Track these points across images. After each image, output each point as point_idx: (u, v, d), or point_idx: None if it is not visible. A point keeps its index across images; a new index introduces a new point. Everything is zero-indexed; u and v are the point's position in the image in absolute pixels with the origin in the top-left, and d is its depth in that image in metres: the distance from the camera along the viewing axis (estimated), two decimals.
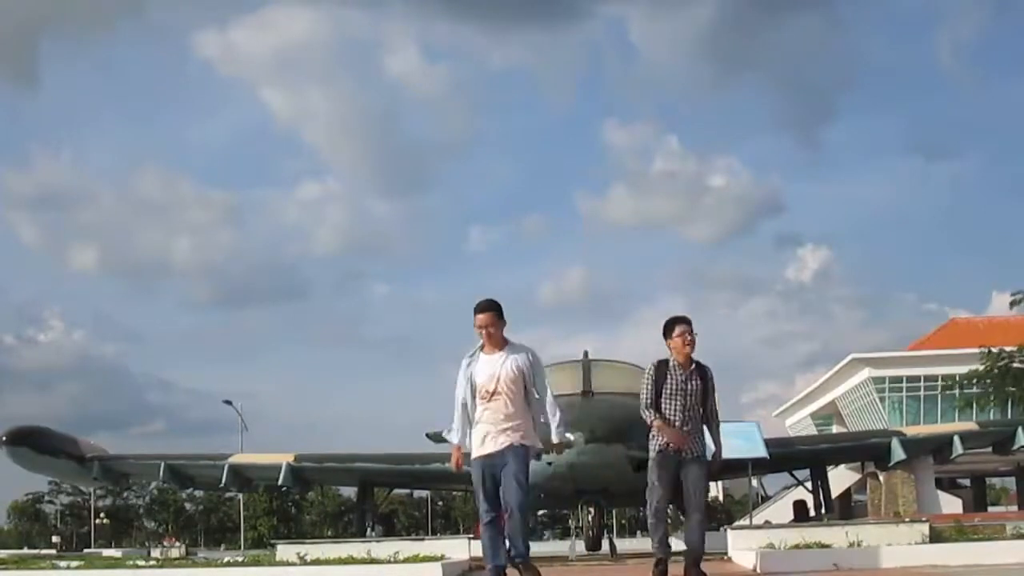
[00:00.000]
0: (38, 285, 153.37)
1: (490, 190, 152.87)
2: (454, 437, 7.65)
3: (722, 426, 8.47)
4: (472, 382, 7.43)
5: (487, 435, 7.36)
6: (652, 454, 8.10)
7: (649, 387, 8.05)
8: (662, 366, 8.07)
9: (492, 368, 7.42)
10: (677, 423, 7.96)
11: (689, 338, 8.05)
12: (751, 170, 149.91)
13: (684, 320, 8.16)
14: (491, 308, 7.49)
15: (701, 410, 8.12)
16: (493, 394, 7.33)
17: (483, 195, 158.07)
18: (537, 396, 7.50)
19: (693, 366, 8.07)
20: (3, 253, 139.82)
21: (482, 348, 7.52)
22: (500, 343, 7.52)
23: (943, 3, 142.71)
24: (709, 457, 8.30)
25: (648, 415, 8.02)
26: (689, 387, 8.03)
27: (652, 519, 8.25)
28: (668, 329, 8.12)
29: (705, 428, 8.25)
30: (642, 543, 35.42)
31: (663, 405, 8.00)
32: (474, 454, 7.43)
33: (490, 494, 7.37)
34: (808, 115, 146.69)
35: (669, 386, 8.01)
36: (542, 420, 7.55)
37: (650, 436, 8.11)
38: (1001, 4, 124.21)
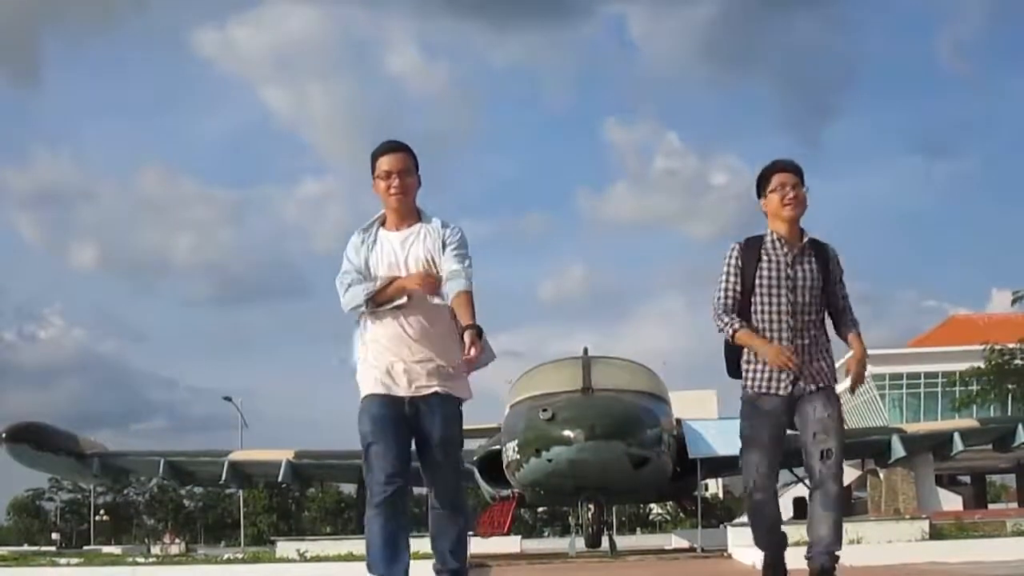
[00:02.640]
0: (39, 282, 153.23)
1: (490, 187, 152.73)
2: (355, 294, 4.80)
3: (721, 423, 8.04)
4: (365, 276, 4.78)
5: (391, 367, 4.69)
6: (742, 398, 5.36)
7: (730, 278, 5.23)
8: (752, 245, 5.25)
9: (400, 254, 4.78)
10: (781, 335, 5.17)
11: (792, 194, 5.19)
12: (752, 168, 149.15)
13: (787, 166, 5.33)
14: (402, 148, 4.88)
15: (822, 312, 5.33)
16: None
17: (483, 192, 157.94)
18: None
19: (805, 240, 5.24)
20: (4, 250, 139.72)
21: (382, 222, 4.88)
22: (412, 213, 4.87)
23: (944, 1, 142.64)
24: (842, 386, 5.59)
25: (725, 324, 5.21)
26: (800, 274, 5.19)
27: (751, 504, 5.46)
28: (763, 181, 5.33)
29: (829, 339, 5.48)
30: (642, 540, 35.45)
31: (755, 307, 5.20)
32: (367, 390, 4.73)
33: (393, 450, 4.64)
34: (809, 113, 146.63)
35: (765, 274, 5.18)
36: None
37: (743, 367, 5.30)
38: (1002, 2, 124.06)
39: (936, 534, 11.16)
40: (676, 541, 23.05)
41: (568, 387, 15.66)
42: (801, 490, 26.19)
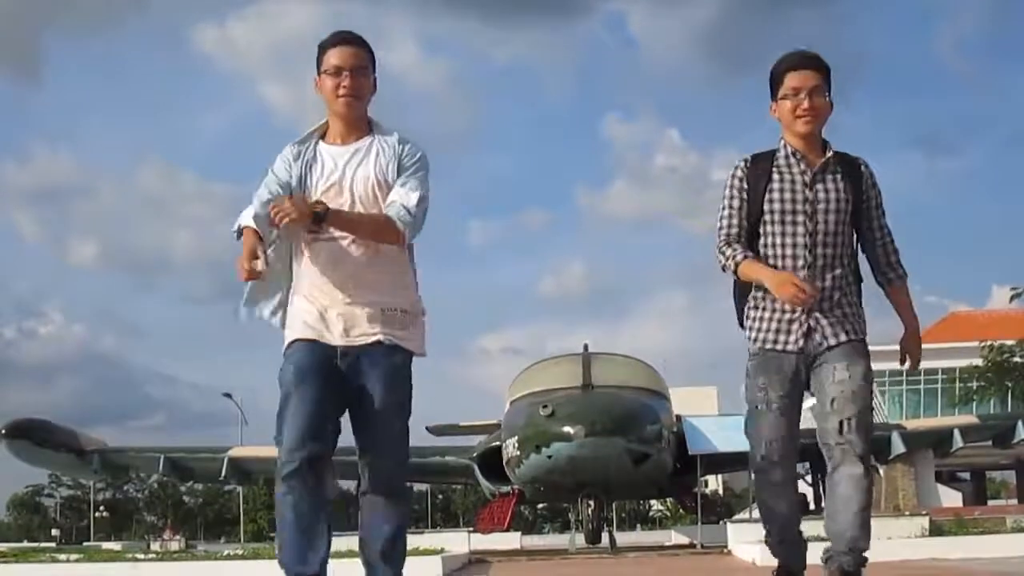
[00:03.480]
0: (39, 279, 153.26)
1: (490, 184, 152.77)
2: (245, 216, 3.86)
3: (721, 420, 7.80)
4: (301, 192, 3.80)
5: (325, 311, 3.79)
6: (749, 353, 4.31)
7: (733, 202, 4.25)
8: (761, 161, 4.23)
9: (344, 172, 3.84)
10: (797, 268, 4.12)
11: (808, 103, 4.12)
12: None
13: (805, 61, 4.20)
14: (358, 41, 3.96)
15: (850, 246, 4.24)
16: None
17: (483, 189, 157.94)
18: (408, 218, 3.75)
19: (829, 154, 4.18)
20: (4, 247, 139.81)
21: (322, 134, 3.95)
22: (363, 123, 3.95)
23: None
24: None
25: (727, 257, 4.21)
26: (822, 195, 4.15)
27: (760, 491, 4.36)
28: (775, 81, 4.24)
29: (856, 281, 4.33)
30: (642, 537, 35.49)
31: (765, 239, 4.19)
32: (294, 335, 3.82)
33: (313, 407, 3.69)
34: None
35: (777, 197, 4.16)
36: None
37: (746, 315, 4.31)
38: None
39: (936, 530, 11.16)
40: (676, 537, 23.08)
41: (568, 384, 15.66)
42: (801, 487, 26.06)
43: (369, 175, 3.81)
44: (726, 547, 12.02)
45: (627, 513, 61.87)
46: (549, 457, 14.47)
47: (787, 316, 4.19)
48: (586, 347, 17.36)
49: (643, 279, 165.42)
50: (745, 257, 4.18)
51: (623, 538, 23.80)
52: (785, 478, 4.28)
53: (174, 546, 35.90)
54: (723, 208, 4.28)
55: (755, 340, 4.25)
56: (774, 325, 4.21)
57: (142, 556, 13.16)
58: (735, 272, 4.21)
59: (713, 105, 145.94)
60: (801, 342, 4.18)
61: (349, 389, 3.77)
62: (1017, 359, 33.79)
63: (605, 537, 15.83)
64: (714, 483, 53.13)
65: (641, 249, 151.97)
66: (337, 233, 3.73)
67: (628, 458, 14.49)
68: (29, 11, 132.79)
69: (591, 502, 14.99)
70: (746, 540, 10.95)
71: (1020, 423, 23.17)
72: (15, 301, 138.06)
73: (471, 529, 16.84)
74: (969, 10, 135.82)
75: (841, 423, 4.10)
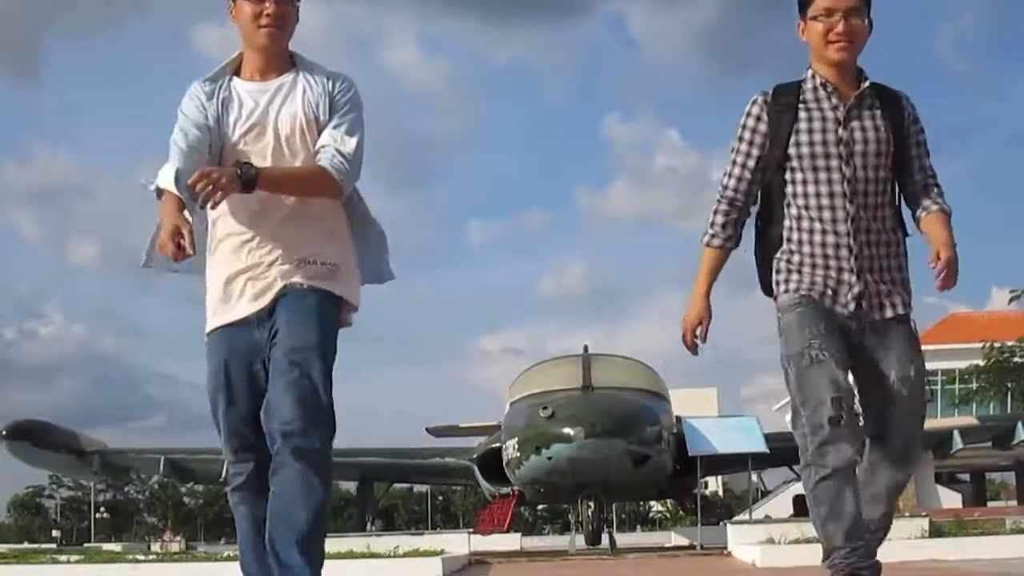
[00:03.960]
0: (39, 279, 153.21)
1: (490, 184, 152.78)
2: (165, 176, 3.23)
3: (721, 421, 7.62)
4: (213, 137, 3.33)
5: (236, 276, 3.34)
6: (779, 308, 3.58)
7: (745, 148, 3.65)
8: (785, 95, 3.62)
9: (267, 113, 3.37)
10: (835, 229, 3.51)
11: (842, 26, 3.54)
12: None
13: None
14: None
15: (893, 192, 3.62)
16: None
17: (483, 189, 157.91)
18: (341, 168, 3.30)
19: (865, 86, 3.57)
20: (4, 247, 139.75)
21: (236, 70, 3.46)
22: (284, 58, 3.47)
23: None
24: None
25: (708, 230, 3.76)
26: (859, 134, 3.53)
27: (814, 472, 3.43)
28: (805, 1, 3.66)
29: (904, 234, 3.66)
30: (642, 538, 35.47)
31: (792, 189, 3.58)
32: (213, 322, 3.38)
33: (242, 411, 3.31)
34: None
35: (806, 139, 3.53)
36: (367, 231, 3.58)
37: (777, 266, 3.60)
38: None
39: (935, 532, 11.16)
40: (676, 539, 23.09)
41: (568, 385, 15.69)
42: (801, 488, 26.05)
43: (296, 113, 3.34)
44: (726, 548, 12.02)
45: (627, 514, 61.84)
46: (549, 458, 14.49)
47: (833, 275, 3.50)
48: (586, 348, 17.38)
49: (643, 279, 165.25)
50: (717, 245, 3.72)
51: (623, 539, 23.80)
52: (850, 460, 3.36)
53: (175, 547, 35.89)
54: (733, 154, 3.66)
55: (796, 289, 3.51)
56: (819, 280, 3.52)
57: (143, 557, 13.17)
58: (704, 243, 3.78)
59: (713, 105, 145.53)
60: (852, 305, 3.49)
61: (271, 352, 3.29)
62: (1017, 360, 33.80)
63: (605, 538, 15.84)
64: (714, 484, 53.06)
65: (641, 249, 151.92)
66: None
67: (628, 459, 14.51)
68: (29, 11, 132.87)
69: (591, 503, 15.00)
70: (746, 541, 10.96)
71: (1020, 424, 23.20)
72: (15, 301, 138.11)
73: (471, 530, 16.85)
74: (969, 10, 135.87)
75: (896, 404, 3.48)
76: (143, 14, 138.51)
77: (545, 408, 14.37)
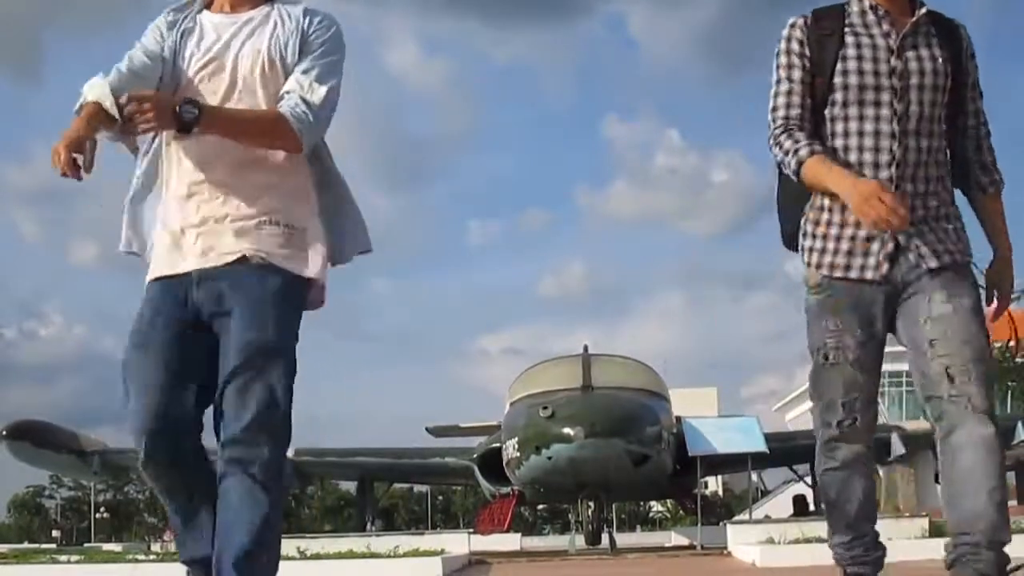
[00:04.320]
0: (39, 279, 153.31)
1: (490, 184, 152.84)
2: (94, 88, 2.76)
3: (721, 420, 7.48)
4: (166, 71, 2.93)
5: (183, 228, 2.92)
6: (807, 287, 3.20)
7: (792, 72, 3.16)
8: (826, 18, 3.15)
9: (225, 44, 2.95)
10: (879, 174, 3.04)
11: None
12: (753, 165, 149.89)
13: None
14: None
15: (943, 137, 3.16)
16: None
17: (483, 189, 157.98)
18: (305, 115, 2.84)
19: (921, 12, 3.12)
20: (5, 247, 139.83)
21: (207, 3, 3.06)
22: None
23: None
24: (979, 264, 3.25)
25: (787, 150, 3.10)
26: (913, 66, 3.09)
27: (825, 470, 3.21)
28: None
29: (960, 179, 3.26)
30: (642, 538, 35.48)
31: (833, 127, 3.12)
32: (155, 271, 2.95)
33: (160, 374, 2.84)
34: None
35: (853, 67, 3.08)
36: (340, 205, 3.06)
37: (803, 232, 3.20)
38: (1002, 1, 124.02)
39: (936, 532, 11.14)
40: (676, 538, 23.09)
41: (568, 385, 15.70)
42: (801, 488, 26.24)
43: (260, 50, 2.90)
44: (726, 548, 12.01)
45: (627, 514, 61.87)
46: (549, 458, 14.51)
47: (863, 232, 3.06)
48: (586, 348, 17.39)
49: (643, 279, 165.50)
50: (812, 152, 3.04)
51: (623, 539, 23.80)
52: (860, 454, 3.15)
53: (174, 547, 35.87)
54: (778, 83, 3.16)
55: (819, 266, 3.13)
56: (845, 245, 3.09)
57: (143, 557, 13.19)
58: (796, 173, 3.07)
59: (713, 105, 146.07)
60: (885, 267, 3.07)
61: (213, 326, 2.84)
62: (1017, 359, 33.83)
63: (605, 538, 15.85)
64: (714, 484, 53.08)
65: (641, 249, 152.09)
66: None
67: (628, 459, 14.52)
68: (29, 11, 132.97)
69: (591, 503, 15.02)
70: (746, 541, 10.96)
71: (1020, 424, 23.21)
72: (16, 302, 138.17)
73: (471, 530, 16.85)
74: (969, 10, 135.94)
75: (948, 370, 3.00)
76: (143, 14, 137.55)
77: (545, 408, 14.38)
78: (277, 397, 2.78)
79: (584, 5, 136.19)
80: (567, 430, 14.04)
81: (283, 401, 2.79)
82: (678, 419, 16.86)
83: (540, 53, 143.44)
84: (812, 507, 22.61)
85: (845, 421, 3.14)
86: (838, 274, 3.12)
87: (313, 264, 2.91)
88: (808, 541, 10.05)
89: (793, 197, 3.23)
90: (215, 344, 2.83)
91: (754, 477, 26.21)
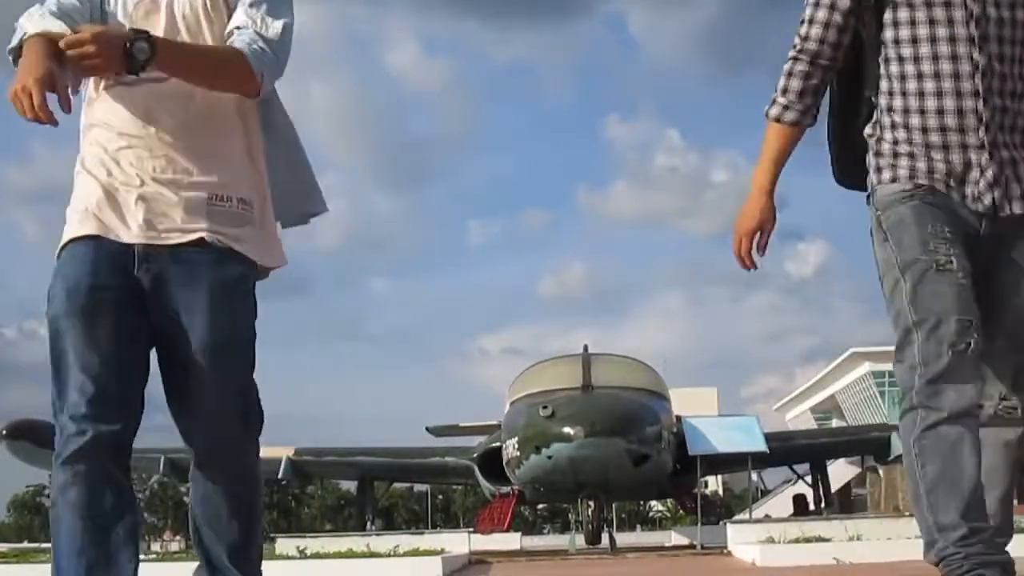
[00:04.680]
0: (40, 279, 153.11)
1: (490, 184, 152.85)
2: (32, 20, 2.47)
3: (721, 420, 7.24)
4: (94, 15, 2.58)
5: (118, 187, 2.50)
6: (885, 203, 2.65)
7: None
8: None
9: None
10: (963, 123, 2.57)
11: None
12: (753, 165, 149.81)
13: None
14: None
15: None
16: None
17: (483, 189, 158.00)
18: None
19: None
20: (4, 247, 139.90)
21: None
22: None
23: None
24: None
25: (778, 87, 2.84)
26: None
27: (931, 422, 2.47)
28: None
29: None
30: (642, 537, 35.48)
31: (899, 28, 2.63)
32: (70, 232, 2.51)
33: (100, 355, 2.38)
34: None
35: None
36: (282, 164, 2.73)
37: (877, 136, 2.70)
38: None
39: None
40: (676, 538, 23.07)
41: (568, 384, 15.69)
42: (801, 487, 26.26)
43: None
44: (726, 548, 12.01)
45: (627, 514, 61.91)
46: (549, 458, 14.52)
47: (956, 155, 2.55)
48: (586, 348, 17.39)
49: (643, 279, 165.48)
50: (780, 117, 2.74)
51: (623, 539, 23.80)
52: (973, 404, 2.47)
53: (175, 547, 35.93)
54: (815, 5, 2.75)
55: (909, 176, 2.59)
56: (938, 162, 2.58)
57: (142, 557, 13.15)
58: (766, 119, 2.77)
59: (713, 105, 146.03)
60: (987, 199, 2.55)
61: (155, 314, 2.46)
62: None
63: (605, 538, 15.83)
64: (714, 484, 53.12)
65: (641, 249, 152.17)
66: (156, 73, 2.40)
67: (628, 459, 14.52)
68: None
69: (591, 503, 15.02)
70: (746, 541, 10.96)
71: None
72: (16, 302, 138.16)
73: (471, 530, 16.84)
74: None
75: (1019, 375, 2.59)
76: None
77: (545, 407, 14.39)
78: (250, 396, 2.60)
79: (584, 5, 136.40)
80: (567, 429, 14.06)
81: (255, 399, 2.62)
82: (678, 419, 16.86)
83: (540, 53, 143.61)
84: (812, 507, 22.64)
85: (960, 345, 2.42)
86: (939, 185, 2.57)
87: (272, 248, 2.63)
88: (808, 541, 10.05)
89: (854, 124, 2.74)
90: (150, 324, 2.47)
91: (754, 477, 26.22)
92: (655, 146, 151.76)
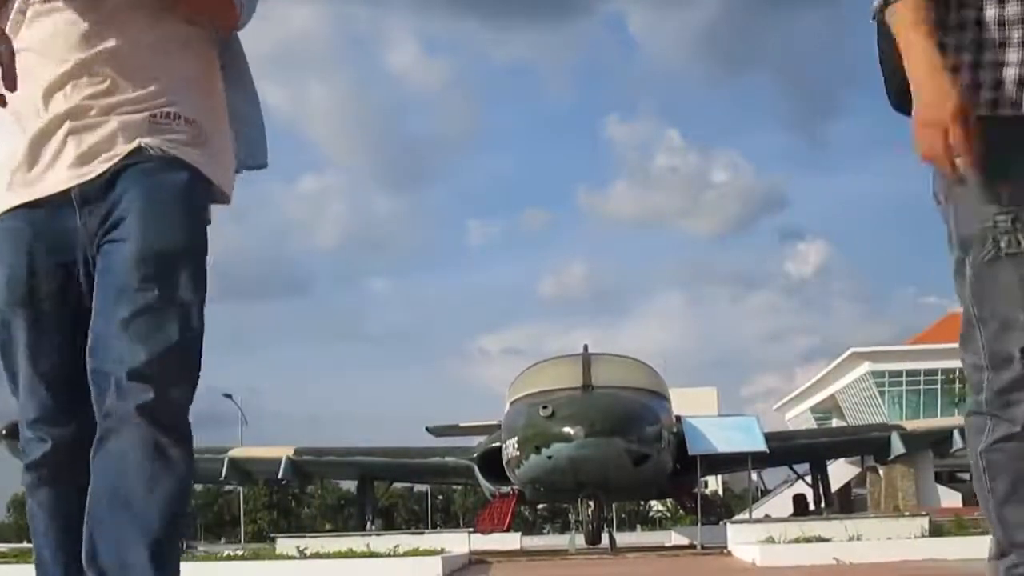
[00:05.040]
0: None
1: (490, 184, 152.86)
2: None
3: (721, 420, 7.31)
4: None
5: (65, 133, 2.06)
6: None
7: None
8: None
9: None
10: None
11: None
12: (753, 165, 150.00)
13: None
14: None
15: None
16: None
17: (483, 189, 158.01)
18: None
19: None
20: None
21: None
22: None
23: None
24: None
25: None
26: None
27: (1000, 432, 2.03)
28: None
29: None
30: (642, 537, 35.47)
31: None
32: (4, 200, 2.12)
33: (54, 352, 2.11)
34: (811, 110, 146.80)
35: None
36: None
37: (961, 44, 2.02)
38: None
39: (936, 531, 11.16)
40: (676, 538, 23.07)
41: (568, 384, 15.70)
42: (801, 487, 26.25)
43: None
44: (726, 548, 12.02)
45: (627, 514, 61.89)
46: (549, 458, 14.52)
47: None
48: (586, 347, 17.39)
49: (643, 279, 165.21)
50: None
51: (623, 539, 23.79)
52: None
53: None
54: None
55: (992, 100, 2.01)
56: (1013, 70, 1.99)
57: None
58: (879, 11, 2.03)
59: (713, 105, 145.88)
60: None
61: (97, 253, 2.07)
62: None
63: (605, 538, 15.84)
64: (714, 484, 53.10)
65: (641, 249, 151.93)
66: None
67: (628, 459, 14.52)
68: None
69: (591, 503, 15.02)
70: (746, 541, 10.97)
71: None
72: None
73: (471, 530, 16.84)
74: None
75: None
76: None
77: (545, 407, 14.39)
78: (189, 320, 2.03)
79: (584, 5, 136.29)
80: (567, 429, 14.06)
81: (196, 324, 2.05)
82: (678, 418, 16.86)
83: (540, 53, 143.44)
84: (812, 506, 22.64)
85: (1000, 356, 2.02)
86: (1006, 110, 1.98)
87: (219, 165, 2.19)
88: (808, 540, 10.06)
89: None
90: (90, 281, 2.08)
91: (754, 476, 26.22)
92: (655, 146, 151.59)
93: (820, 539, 10.09)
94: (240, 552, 13.77)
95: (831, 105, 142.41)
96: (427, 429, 25.12)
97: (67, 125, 2.05)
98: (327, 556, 10.32)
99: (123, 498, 1.95)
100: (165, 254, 2.02)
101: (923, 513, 13.22)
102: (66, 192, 2.05)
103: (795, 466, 24.37)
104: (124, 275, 1.99)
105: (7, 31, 2.01)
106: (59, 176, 2.05)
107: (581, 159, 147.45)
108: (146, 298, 1.98)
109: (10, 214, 2.10)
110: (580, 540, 15.95)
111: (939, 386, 50.22)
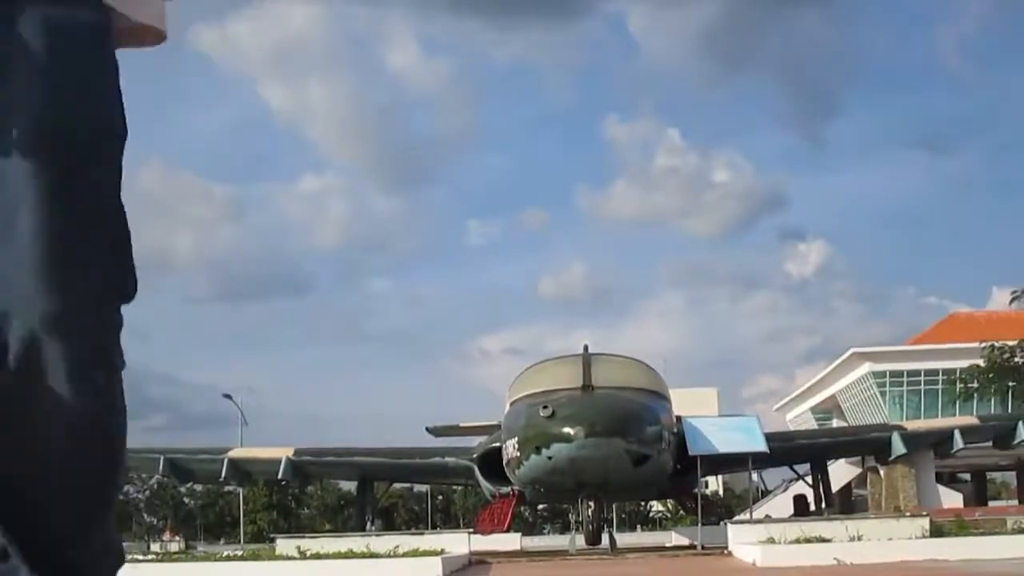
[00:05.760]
0: None
1: (490, 184, 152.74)
2: None
3: (721, 420, 7.31)
4: None
5: None
6: None
7: None
8: None
9: None
10: None
11: None
12: (753, 165, 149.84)
13: None
14: None
15: None
16: None
17: (483, 189, 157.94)
18: None
19: None
20: None
21: None
22: None
23: None
24: None
25: None
26: None
27: None
28: None
29: None
30: (642, 538, 35.45)
31: None
32: None
33: None
34: (811, 110, 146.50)
35: None
36: None
37: None
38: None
39: (936, 531, 11.15)
40: (676, 538, 23.06)
41: (568, 385, 15.67)
42: (801, 487, 26.24)
43: None
44: (726, 548, 12.01)
45: (627, 514, 61.82)
46: (549, 458, 14.49)
47: None
48: (586, 348, 17.36)
49: (643, 279, 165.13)
50: None
51: (623, 539, 23.77)
52: None
53: (174, 547, 35.92)
54: None
55: None
56: None
57: (142, 557, 13.17)
58: None
59: (713, 105, 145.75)
60: None
61: None
62: (1017, 360, 33.83)
63: (605, 538, 15.83)
64: (714, 484, 53.06)
65: (641, 249, 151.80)
66: None
67: (628, 459, 14.50)
68: None
69: (591, 503, 15.00)
70: (746, 541, 10.96)
71: (1020, 424, 23.22)
72: None
73: (471, 530, 16.83)
74: (970, 11, 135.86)
75: None
76: None
77: (545, 408, 14.37)
78: (111, 210, 1.52)
79: (584, 5, 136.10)
80: (567, 430, 14.03)
81: (116, 199, 1.54)
82: (678, 419, 16.84)
83: (540, 53, 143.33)
84: (813, 507, 22.62)
85: None
86: None
87: (153, 9, 1.70)
88: (809, 541, 10.04)
89: None
90: None
91: (754, 477, 26.20)
92: (655, 146, 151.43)
93: (821, 539, 10.08)
94: (240, 552, 13.76)
95: (831, 105, 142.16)
96: (427, 429, 25.09)
97: None
98: (327, 556, 10.31)
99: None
100: (55, 113, 1.46)
101: (924, 514, 13.22)
102: None
103: (796, 466, 24.39)
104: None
105: None
106: None
107: (581, 159, 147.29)
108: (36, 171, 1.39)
109: None
110: (580, 540, 15.92)
111: (940, 386, 50.17)
